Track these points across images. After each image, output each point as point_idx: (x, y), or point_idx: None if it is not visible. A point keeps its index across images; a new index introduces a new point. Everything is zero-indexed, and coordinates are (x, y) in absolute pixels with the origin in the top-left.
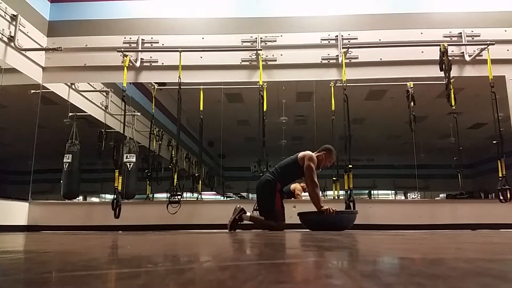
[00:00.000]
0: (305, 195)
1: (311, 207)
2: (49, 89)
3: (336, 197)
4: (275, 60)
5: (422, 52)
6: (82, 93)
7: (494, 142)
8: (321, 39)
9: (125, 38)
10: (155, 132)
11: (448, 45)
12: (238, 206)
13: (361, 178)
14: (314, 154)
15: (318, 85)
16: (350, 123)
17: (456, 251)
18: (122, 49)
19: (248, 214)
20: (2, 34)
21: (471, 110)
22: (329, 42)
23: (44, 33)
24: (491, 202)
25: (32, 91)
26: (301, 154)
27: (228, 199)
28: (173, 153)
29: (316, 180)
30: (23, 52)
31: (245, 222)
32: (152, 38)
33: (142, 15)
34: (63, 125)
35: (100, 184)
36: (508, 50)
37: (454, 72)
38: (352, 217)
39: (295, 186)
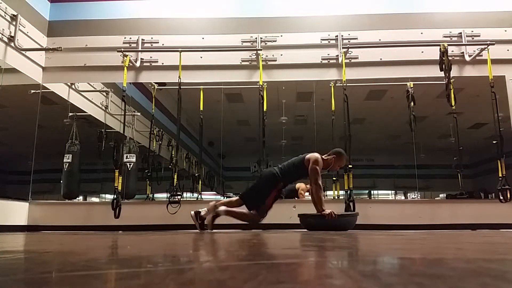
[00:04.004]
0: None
1: (312, 208)
2: (49, 89)
3: (336, 197)
4: (275, 60)
5: (422, 52)
6: (82, 93)
7: (494, 142)
8: (321, 39)
9: (125, 38)
10: (155, 132)
11: (448, 45)
12: (211, 204)
13: (361, 178)
14: (321, 157)
15: (318, 85)
16: (350, 123)
17: (456, 251)
18: (122, 49)
19: (222, 208)
20: (2, 34)
21: (471, 110)
22: (329, 42)
23: (44, 33)
24: (491, 202)
25: (32, 91)
26: (308, 156)
27: (228, 199)
28: (173, 153)
29: (320, 182)
30: (23, 52)
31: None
32: (152, 38)
33: (142, 15)
34: (63, 125)
35: (100, 184)
36: (508, 50)
37: (454, 72)
38: (353, 219)
39: (300, 185)
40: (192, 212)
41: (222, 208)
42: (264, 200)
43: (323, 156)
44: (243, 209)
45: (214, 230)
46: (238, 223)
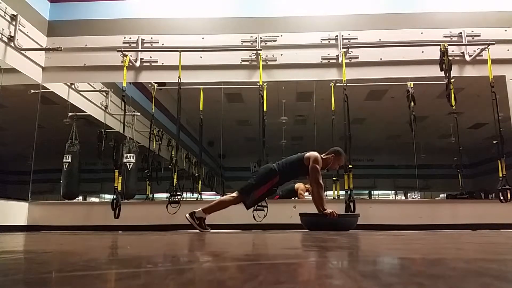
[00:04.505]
0: (308, 196)
1: (312, 207)
2: (49, 89)
3: (336, 197)
4: (275, 60)
5: (422, 52)
6: (82, 93)
7: (494, 142)
8: (321, 39)
9: (125, 38)
10: (155, 132)
11: (448, 45)
12: (187, 216)
13: (361, 178)
14: (320, 156)
15: (318, 85)
16: (350, 123)
17: (456, 251)
18: (122, 49)
19: (199, 210)
20: (2, 34)
21: (471, 110)
22: (329, 42)
23: (44, 33)
24: (491, 202)
25: (32, 91)
26: (307, 154)
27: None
28: (173, 153)
29: (321, 181)
30: (23, 52)
31: (203, 216)
32: (152, 38)
33: (142, 15)
34: (63, 125)
35: (100, 184)
36: (508, 50)
37: (454, 72)
38: (354, 220)
39: (299, 185)
40: (187, 215)
41: (199, 210)
42: (256, 189)
43: (322, 155)
44: (219, 199)
45: (214, 230)
46: (238, 223)
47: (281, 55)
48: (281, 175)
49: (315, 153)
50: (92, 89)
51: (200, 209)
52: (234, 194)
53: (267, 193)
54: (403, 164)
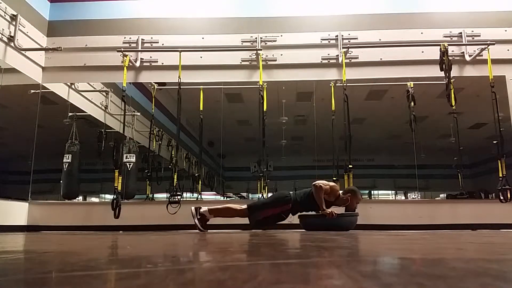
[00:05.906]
0: None
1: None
2: (49, 89)
3: None
4: (275, 60)
5: (422, 52)
6: (82, 93)
7: (494, 142)
8: (321, 39)
9: (125, 38)
10: (155, 132)
11: (448, 45)
12: (192, 208)
13: (362, 178)
14: (333, 187)
15: (318, 85)
16: (350, 123)
17: (456, 251)
18: (122, 49)
19: (205, 208)
20: (2, 34)
21: (471, 110)
22: (329, 42)
23: (44, 33)
24: (491, 202)
25: (32, 91)
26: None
27: (228, 199)
28: (173, 153)
29: (322, 184)
30: (23, 52)
31: (207, 215)
32: (152, 38)
33: (142, 15)
34: (63, 125)
35: (100, 184)
36: (508, 50)
37: (454, 72)
38: (354, 219)
39: None
40: (192, 207)
41: (204, 208)
42: (263, 209)
43: (340, 192)
44: (228, 204)
45: (214, 230)
46: (238, 223)
47: (281, 55)
48: (294, 204)
49: (324, 182)
50: (92, 89)
51: (207, 208)
52: (243, 206)
53: (276, 218)
54: (403, 164)
